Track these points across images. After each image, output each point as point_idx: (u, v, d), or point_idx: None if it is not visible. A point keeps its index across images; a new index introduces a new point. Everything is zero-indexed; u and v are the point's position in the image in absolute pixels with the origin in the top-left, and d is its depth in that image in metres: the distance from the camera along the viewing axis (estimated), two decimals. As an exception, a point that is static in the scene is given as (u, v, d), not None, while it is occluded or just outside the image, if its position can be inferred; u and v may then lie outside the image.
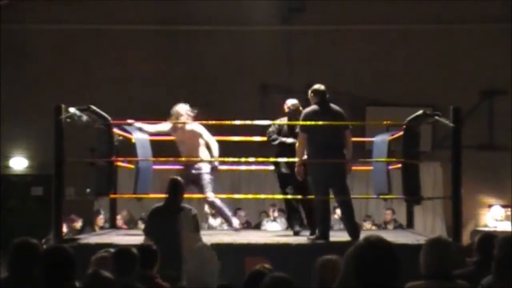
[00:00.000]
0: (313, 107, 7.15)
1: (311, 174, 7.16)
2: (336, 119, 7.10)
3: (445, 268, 3.78)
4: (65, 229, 9.86)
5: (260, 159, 7.91)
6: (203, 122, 7.98)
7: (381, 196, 8.47)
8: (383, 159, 7.98)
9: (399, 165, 7.69)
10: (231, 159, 8.12)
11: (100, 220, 10.52)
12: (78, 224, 10.43)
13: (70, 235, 9.02)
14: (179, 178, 6.51)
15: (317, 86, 7.26)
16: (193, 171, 7.88)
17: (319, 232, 7.13)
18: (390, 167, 8.13)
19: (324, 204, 7.10)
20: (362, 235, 5.30)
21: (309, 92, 7.27)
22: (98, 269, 3.91)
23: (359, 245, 2.67)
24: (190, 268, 4.61)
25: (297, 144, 7.30)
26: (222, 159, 8.02)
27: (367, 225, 10.82)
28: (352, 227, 7.12)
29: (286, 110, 7.79)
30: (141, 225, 10.88)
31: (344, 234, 7.19)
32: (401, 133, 7.66)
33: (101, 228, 10.21)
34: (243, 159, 8.02)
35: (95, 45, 13.25)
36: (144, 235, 6.26)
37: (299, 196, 7.60)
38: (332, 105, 7.22)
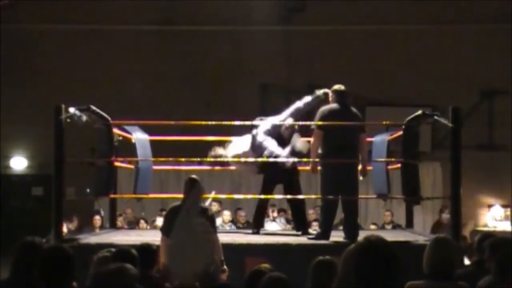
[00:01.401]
0: (332, 105, 7.13)
1: (322, 172, 7.14)
2: (354, 122, 7.08)
3: (449, 268, 3.79)
4: (65, 229, 9.89)
5: (260, 159, 7.90)
6: (203, 122, 7.96)
7: (381, 197, 8.45)
8: (383, 159, 7.97)
9: (399, 165, 7.68)
10: (230, 159, 8.11)
11: (97, 220, 10.49)
12: (74, 224, 10.44)
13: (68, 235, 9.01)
14: (196, 177, 6.41)
15: (337, 86, 7.23)
16: None
17: (320, 230, 7.13)
18: (390, 167, 8.12)
19: (331, 204, 7.09)
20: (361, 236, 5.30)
21: (329, 92, 7.28)
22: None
23: (359, 244, 2.67)
24: (175, 265, 4.57)
25: (311, 141, 7.25)
26: (222, 159, 8.01)
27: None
28: (352, 230, 7.07)
29: None
30: (143, 225, 10.90)
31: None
32: (401, 133, 7.65)
33: (101, 228, 10.18)
34: (242, 159, 8.01)
35: (95, 45, 13.25)
36: (161, 234, 6.20)
37: (289, 196, 7.66)
38: (352, 107, 7.21)
